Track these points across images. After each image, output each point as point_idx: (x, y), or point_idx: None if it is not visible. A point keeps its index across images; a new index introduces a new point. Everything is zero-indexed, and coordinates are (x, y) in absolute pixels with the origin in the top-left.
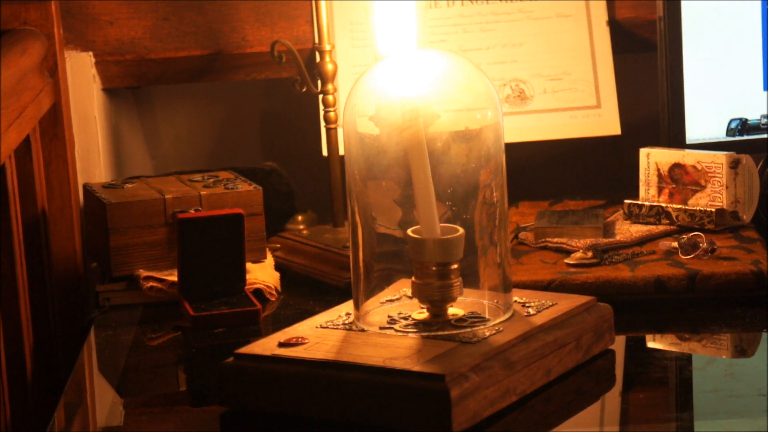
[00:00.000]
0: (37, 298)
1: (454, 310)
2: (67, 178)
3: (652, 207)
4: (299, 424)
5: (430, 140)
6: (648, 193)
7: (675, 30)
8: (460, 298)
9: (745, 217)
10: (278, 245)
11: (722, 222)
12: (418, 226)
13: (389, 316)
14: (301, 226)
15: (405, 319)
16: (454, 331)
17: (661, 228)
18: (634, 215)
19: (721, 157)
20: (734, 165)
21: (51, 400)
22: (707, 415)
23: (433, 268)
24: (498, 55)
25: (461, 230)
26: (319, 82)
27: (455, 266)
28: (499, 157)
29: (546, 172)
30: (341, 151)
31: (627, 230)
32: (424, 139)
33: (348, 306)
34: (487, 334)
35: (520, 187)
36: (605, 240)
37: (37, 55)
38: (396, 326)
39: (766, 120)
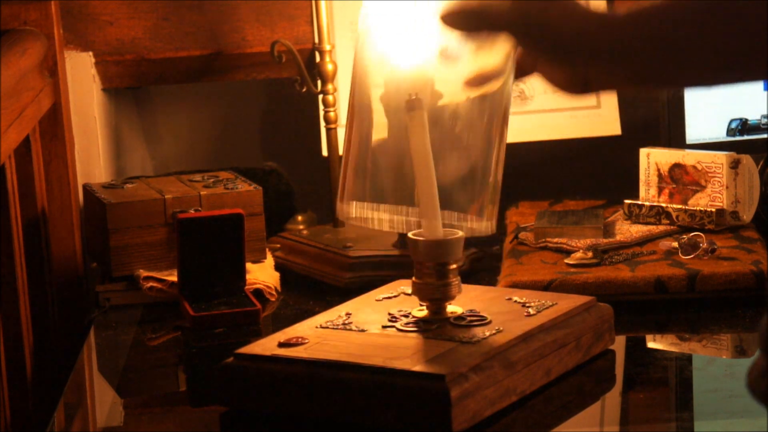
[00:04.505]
0: (37, 298)
1: (452, 308)
2: (67, 178)
3: (652, 207)
4: (299, 424)
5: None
6: (648, 193)
7: None
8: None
9: (745, 217)
10: (278, 245)
11: (722, 222)
12: (419, 229)
13: (390, 314)
14: (301, 226)
15: (405, 316)
16: (454, 331)
17: (661, 228)
18: (634, 215)
19: (721, 157)
20: (734, 165)
21: (51, 400)
22: (707, 415)
23: (433, 269)
24: None
25: (461, 232)
26: (319, 82)
27: (454, 266)
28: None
29: (546, 172)
30: (341, 151)
31: (627, 230)
32: (427, 138)
33: (348, 306)
34: (487, 334)
35: (520, 187)
36: (605, 240)
37: (37, 55)
38: (397, 324)
39: (766, 120)
